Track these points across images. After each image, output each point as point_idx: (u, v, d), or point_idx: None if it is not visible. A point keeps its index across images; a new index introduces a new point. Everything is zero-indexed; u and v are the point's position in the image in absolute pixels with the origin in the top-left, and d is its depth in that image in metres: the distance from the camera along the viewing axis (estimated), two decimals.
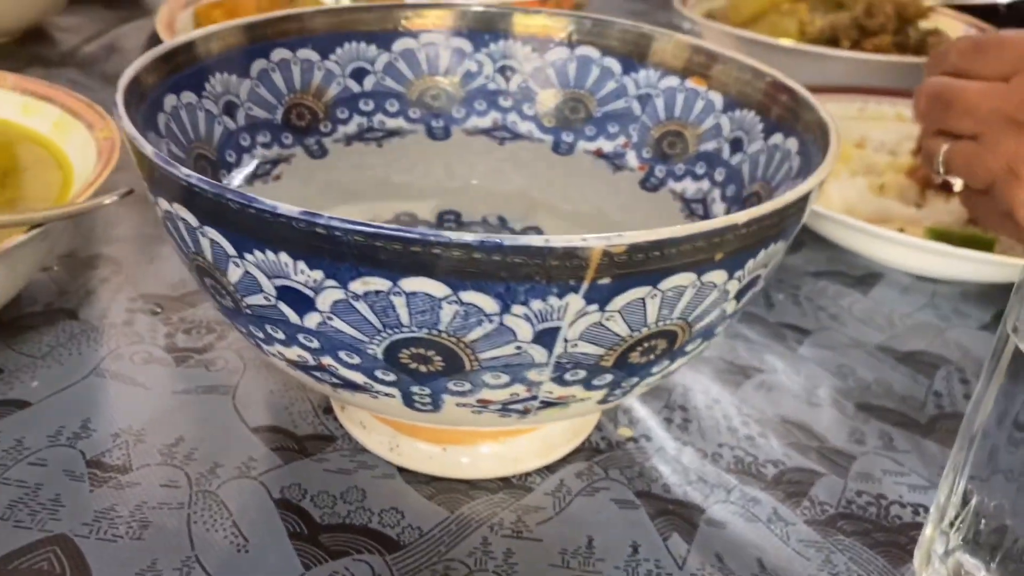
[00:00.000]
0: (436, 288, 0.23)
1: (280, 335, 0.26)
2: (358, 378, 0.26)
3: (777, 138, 0.34)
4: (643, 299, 0.24)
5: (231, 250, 0.24)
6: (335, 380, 0.27)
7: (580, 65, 0.41)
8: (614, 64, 0.40)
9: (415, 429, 0.33)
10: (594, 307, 0.24)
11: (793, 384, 0.41)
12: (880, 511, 0.34)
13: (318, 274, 0.23)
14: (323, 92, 0.40)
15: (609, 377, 0.27)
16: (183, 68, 0.34)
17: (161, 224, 0.28)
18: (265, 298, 0.25)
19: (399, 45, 0.41)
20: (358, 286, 0.23)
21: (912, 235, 0.48)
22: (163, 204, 0.26)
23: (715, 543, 0.32)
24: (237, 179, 0.36)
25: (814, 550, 0.32)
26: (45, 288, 0.43)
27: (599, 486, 0.34)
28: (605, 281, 0.23)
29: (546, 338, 0.24)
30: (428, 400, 0.27)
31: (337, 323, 0.24)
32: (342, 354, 0.26)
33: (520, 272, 0.22)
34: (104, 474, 0.32)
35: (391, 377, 0.26)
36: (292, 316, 0.25)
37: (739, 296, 0.27)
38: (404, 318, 0.24)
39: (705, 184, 0.38)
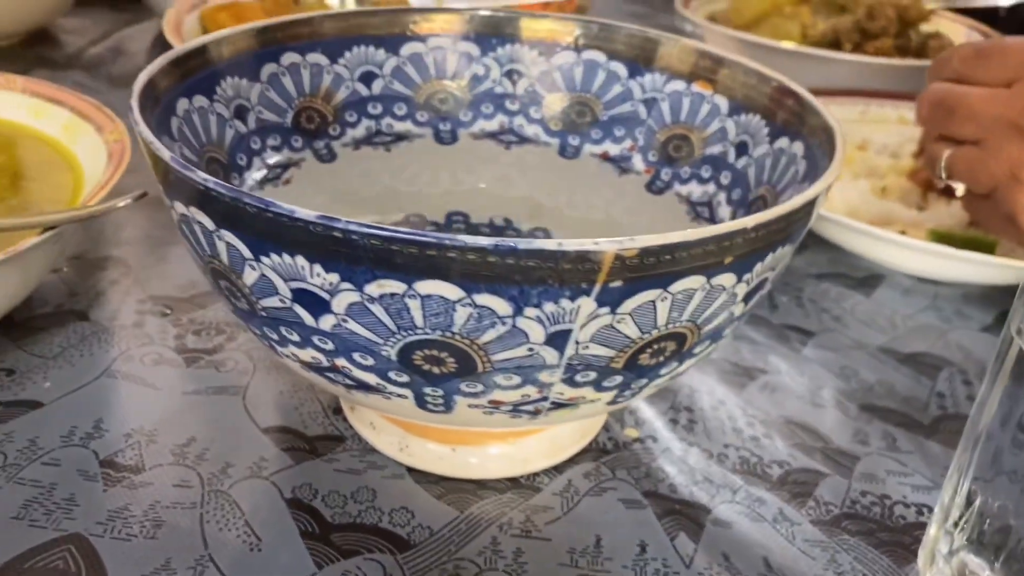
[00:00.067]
0: (450, 291, 0.23)
1: (295, 337, 0.26)
2: (371, 379, 0.27)
3: (783, 142, 0.35)
4: (654, 302, 0.24)
5: (248, 253, 0.25)
6: (348, 381, 0.27)
7: (587, 69, 0.41)
8: (620, 68, 0.41)
9: (424, 430, 0.34)
10: (605, 310, 0.24)
11: (797, 385, 0.41)
12: (884, 511, 0.34)
13: (334, 277, 0.24)
14: (332, 96, 0.40)
15: (619, 379, 0.27)
16: (195, 72, 0.34)
17: (176, 227, 0.28)
18: (281, 300, 0.25)
19: (407, 49, 0.41)
20: (373, 289, 0.24)
21: (914, 237, 0.48)
22: (179, 207, 0.26)
23: (721, 542, 0.32)
24: (248, 183, 0.37)
25: (819, 550, 0.32)
26: (55, 290, 0.43)
27: (606, 486, 0.34)
28: (617, 284, 0.23)
29: (558, 340, 0.25)
30: (440, 401, 0.27)
31: (352, 325, 0.25)
32: (356, 356, 0.26)
33: (534, 275, 0.23)
34: (117, 474, 0.33)
35: (404, 378, 0.26)
36: (307, 318, 0.25)
37: (747, 299, 0.27)
38: (418, 320, 0.24)
39: (711, 187, 0.38)
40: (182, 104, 0.33)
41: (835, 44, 0.76)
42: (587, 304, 0.24)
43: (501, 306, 0.23)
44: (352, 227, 0.22)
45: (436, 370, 0.26)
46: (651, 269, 0.23)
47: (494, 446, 0.34)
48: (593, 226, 0.41)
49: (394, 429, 0.34)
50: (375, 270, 0.23)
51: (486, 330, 0.24)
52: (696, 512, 0.34)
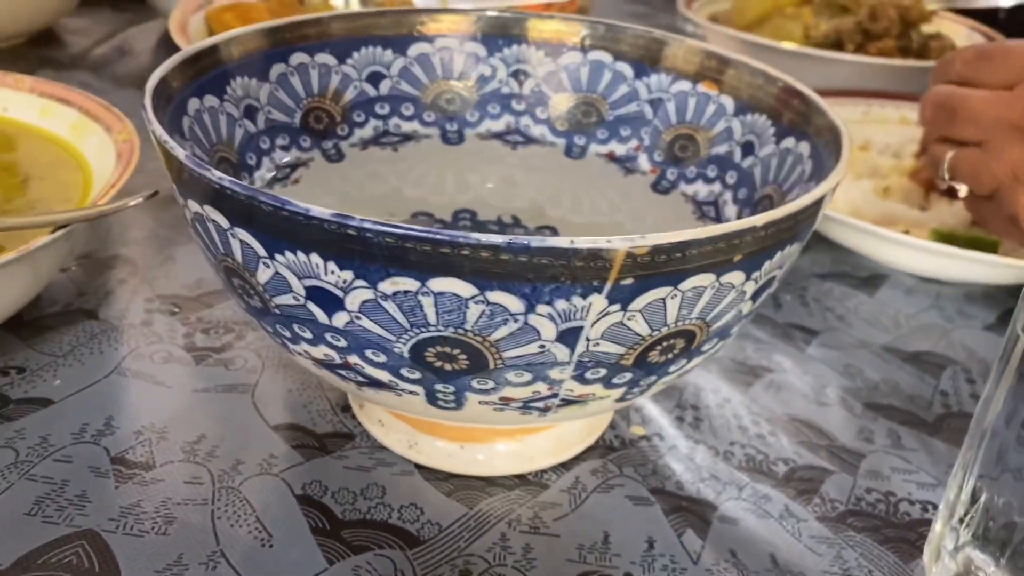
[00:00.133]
0: (463, 288, 0.23)
1: (308, 334, 0.27)
2: (383, 376, 0.27)
3: (789, 142, 0.35)
4: (664, 299, 0.25)
5: (262, 251, 0.25)
6: (360, 378, 0.28)
7: (593, 69, 0.42)
8: (626, 68, 0.41)
9: (433, 427, 0.34)
10: (616, 307, 0.24)
11: (802, 384, 0.41)
12: (889, 508, 0.35)
13: (348, 274, 0.24)
14: (340, 96, 0.40)
15: (628, 376, 0.27)
16: (206, 72, 0.34)
17: (188, 225, 0.28)
18: (294, 298, 0.26)
19: (414, 50, 0.41)
20: (387, 286, 0.24)
21: (917, 237, 0.49)
22: (193, 206, 0.26)
23: (728, 539, 0.33)
24: (257, 182, 0.37)
25: (825, 546, 0.33)
26: (64, 289, 0.43)
27: (614, 483, 0.35)
28: (628, 282, 0.24)
29: (569, 337, 0.25)
30: (451, 398, 0.27)
31: (365, 322, 0.25)
32: (368, 353, 0.26)
33: (546, 273, 0.23)
34: (128, 471, 0.33)
35: (416, 375, 0.27)
36: (321, 315, 0.26)
37: (755, 296, 0.27)
38: (431, 317, 0.24)
39: (717, 187, 0.38)
40: (193, 104, 0.34)
41: (837, 45, 0.76)
42: (598, 301, 0.24)
43: (513, 303, 0.24)
44: (366, 225, 0.22)
45: (448, 367, 0.26)
46: (662, 267, 0.24)
47: (502, 443, 0.34)
48: (599, 226, 0.41)
49: (402, 426, 0.35)
50: (389, 267, 0.23)
51: (498, 327, 0.24)
52: (703, 509, 0.34)
